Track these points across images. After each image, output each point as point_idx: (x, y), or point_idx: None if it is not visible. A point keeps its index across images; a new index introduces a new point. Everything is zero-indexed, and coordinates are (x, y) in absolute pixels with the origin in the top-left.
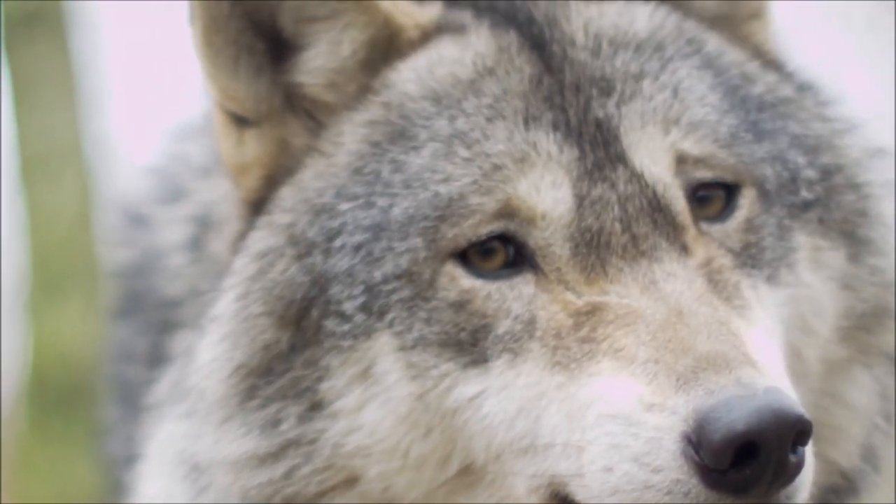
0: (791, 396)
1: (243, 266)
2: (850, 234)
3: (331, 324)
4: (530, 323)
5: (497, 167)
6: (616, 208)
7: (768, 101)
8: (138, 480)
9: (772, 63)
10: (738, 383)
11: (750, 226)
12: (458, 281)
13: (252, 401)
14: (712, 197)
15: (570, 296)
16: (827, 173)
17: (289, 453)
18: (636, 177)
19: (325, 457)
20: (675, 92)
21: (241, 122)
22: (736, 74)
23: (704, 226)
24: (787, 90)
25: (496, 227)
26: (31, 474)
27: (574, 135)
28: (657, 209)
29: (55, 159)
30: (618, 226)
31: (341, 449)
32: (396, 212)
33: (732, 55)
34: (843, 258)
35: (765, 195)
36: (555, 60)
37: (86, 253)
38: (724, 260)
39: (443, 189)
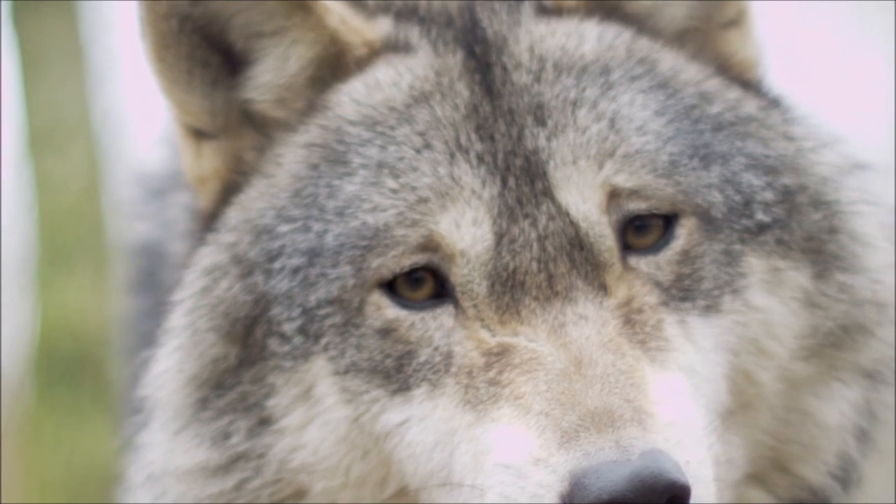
0: (672, 459)
1: (192, 281)
2: (817, 251)
3: (273, 343)
4: (448, 357)
5: (422, 200)
6: (535, 246)
7: (727, 121)
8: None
9: (738, 78)
10: (616, 446)
11: (686, 257)
12: (384, 310)
13: (204, 412)
14: (650, 226)
15: (484, 334)
16: (788, 194)
17: (239, 466)
18: (561, 214)
19: (274, 471)
20: (613, 122)
21: (199, 134)
22: (692, 94)
23: (634, 260)
24: (749, 107)
25: (419, 259)
26: (38, 445)
27: (501, 168)
28: (578, 247)
29: (63, 131)
30: (535, 265)
31: (288, 465)
32: (329, 238)
33: (690, 73)
34: (808, 277)
35: (709, 222)
36: (496, 84)
37: (93, 224)
38: (648, 298)
39: (370, 219)
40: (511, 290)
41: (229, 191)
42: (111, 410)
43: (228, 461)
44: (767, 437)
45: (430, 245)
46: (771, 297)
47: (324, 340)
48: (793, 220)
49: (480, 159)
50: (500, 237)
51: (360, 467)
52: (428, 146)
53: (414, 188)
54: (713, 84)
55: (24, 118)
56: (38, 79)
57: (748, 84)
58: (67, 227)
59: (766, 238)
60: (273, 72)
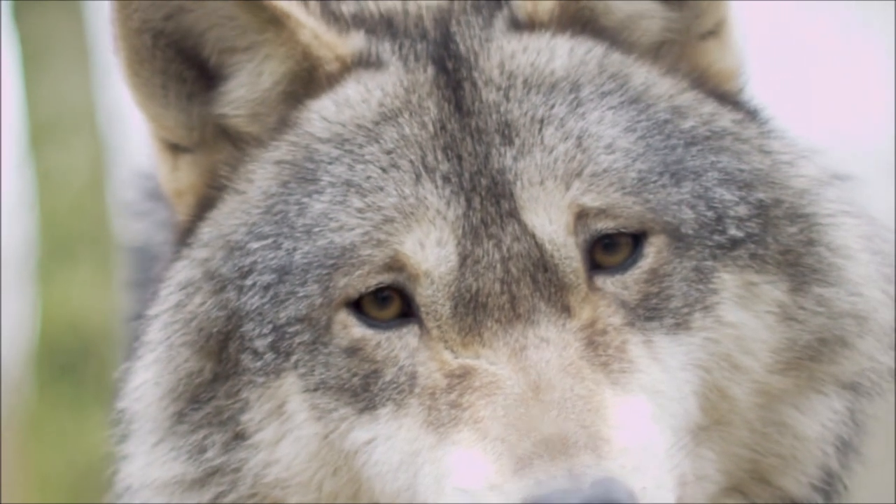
0: (625, 487)
1: (167, 296)
2: (794, 264)
3: (246, 359)
4: (412, 377)
5: (387, 219)
6: (498, 268)
7: (700, 135)
8: None
9: (715, 91)
10: (569, 474)
11: (654, 275)
12: (350, 329)
13: (180, 425)
14: (619, 244)
15: (447, 355)
16: (762, 208)
17: (215, 480)
18: (526, 235)
19: (249, 486)
20: (580, 140)
21: (175, 148)
22: (664, 108)
23: (601, 279)
24: (724, 121)
25: (385, 278)
26: (39, 439)
27: (467, 188)
28: (542, 269)
29: (66, 125)
30: (497, 287)
31: (262, 479)
32: (298, 256)
33: (663, 87)
34: (785, 290)
35: (680, 239)
36: (466, 102)
37: (96, 219)
38: (613, 318)
39: (337, 238)
40: (474, 311)
41: (205, 205)
42: (112, 406)
43: (204, 475)
44: (745, 450)
45: (395, 265)
46: (745, 313)
47: (294, 358)
48: (768, 234)
49: (446, 179)
50: (464, 258)
51: (332, 483)
52: (395, 165)
53: (380, 208)
54: (687, 98)
55: (26, 112)
56: (40, 73)
57: (725, 96)
58: (70, 222)
59: (740, 253)
60: (246, 87)
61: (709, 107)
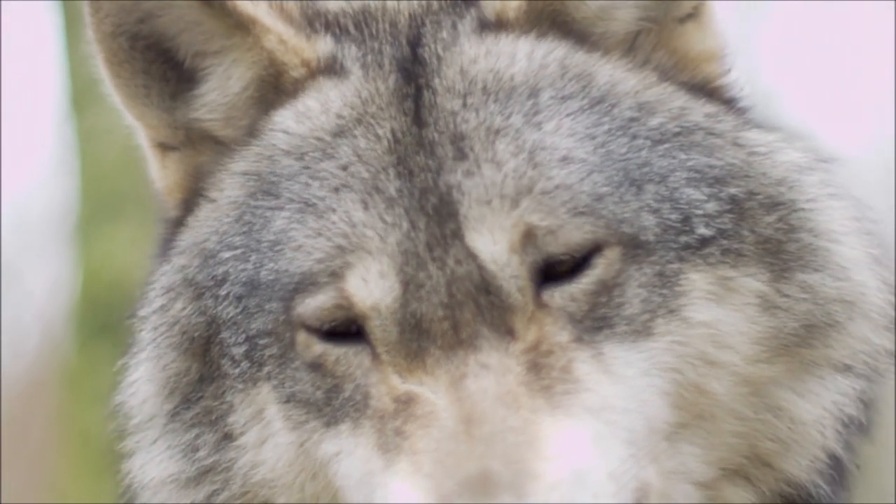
0: None
1: (153, 298)
2: (776, 253)
3: (226, 364)
4: (366, 397)
5: (337, 248)
6: (442, 292)
7: (669, 132)
8: None
9: (690, 81)
10: None
11: (603, 286)
12: (312, 347)
13: (175, 423)
14: (565, 259)
15: (395, 380)
16: (735, 203)
17: (208, 479)
18: (470, 257)
19: (239, 485)
20: (533, 154)
21: (163, 146)
22: (630, 106)
23: (549, 293)
24: (695, 116)
25: (338, 315)
26: (79, 397)
27: (415, 208)
28: (485, 292)
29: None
30: (440, 312)
31: (251, 479)
32: (263, 272)
33: (630, 83)
34: (765, 281)
35: (638, 247)
36: (424, 111)
37: (138, 177)
38: (560, 337)
39: (296, 260)
40: (418, 338)
41: (188, 207)
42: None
43: (198, 474)
44: (736, 439)
45: (344, 304)
46: (720, 309)
47: (266, 369)
48: (743, 227)
49: (395, 200)
50: (406, 285)
51: (312, 487)
52: (346, 185)
53: (330, 235)
54: (655, 93)
55: (68, 72)
56: (82, 32)
57: (702, 85)
58: (112, 181)
59: (711, 251)
60: (217, 91)
61: (679, 101)
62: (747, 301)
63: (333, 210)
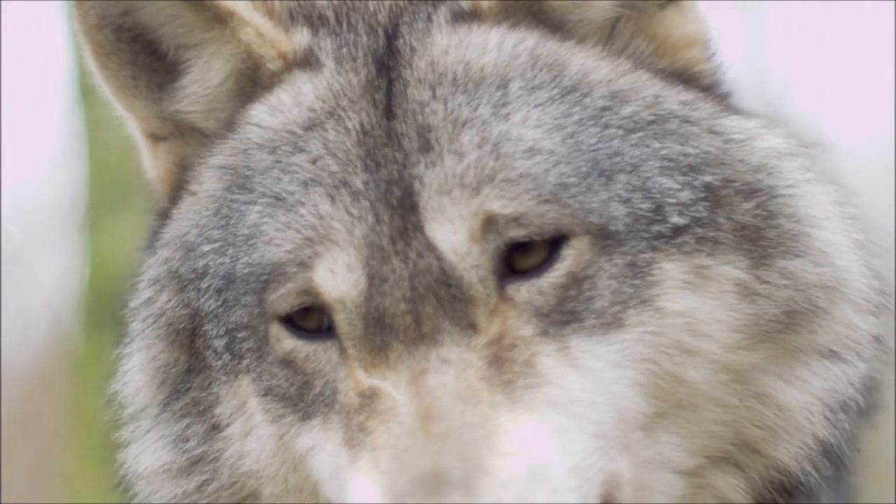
0: None
1: (141, 290)
2: (754, 240)
3: (210, 356)
4: (334, 392)
5: (306, 240)
6: (405, 286)
7: (643, 121)
8: None
9: (669, 67)
10: None
11: (572, 279)
12: (283, 342)
13: (166, 414)
14: (534, 247)
15: (360, 374)
16: (710, 191)
17: (198, 469)
18: (431, 249)
19: (228, 475)
20: (497, 145)
21: (153, 136)
22: (602, 95)
23: (514, 288)
24: (670, 104)
25: (306, 300)
26: (86, 386)
27: (381, 201)
28: (446, 285)
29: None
30: (403, 306)
31: (238, 469)
32: (239, 266)
33: (603, 72)
34: (744, 268)
35: (608, 237)
36: (395, 103)
37: (143, 168)
38: (523, 330)
39: (267, 253)
40: (381, 332)
41: (174, 198)
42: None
43: (188, 463)
44: (721, 427)
45: (311, 291)
46: (696, 297)
47: (245, 362)
48: (718, 215)
49: (361, 194)
50: (371, 278)
51: (295, 478)
52: (315, 179)
53: (299, 229)
54: (629, 81)
55: (76, 61)
56: None
57: (680, 72)
58: (118, 170)
59: (685, 239)
60: (198, 83)
61: (654, 89)
62: (725, 289)
63: (302, 203)
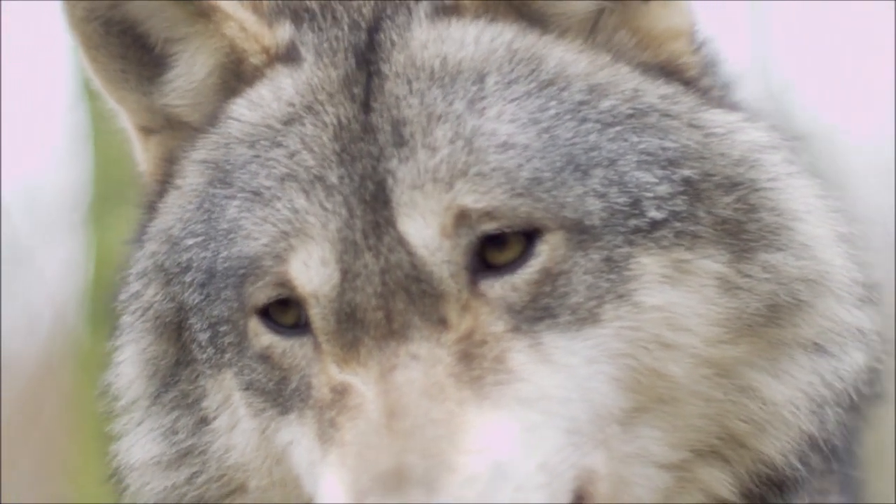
0: None
1: (130, 284)
2: (735, 234)
3: (196, 349)
4: (308, 388)
5: (282, 233)
6: (376, 281)
7: (621, 114)
8: None
9: (651, 60)
10: None
11: (546, 275)
12: (261, 337)
13: (156, 406)
14: (509, 241)
15: (333, 369)
16: (689, 184)
17: (187, 461)
18: (402, 244)
19: (216, 467)
20: (471, 140)
21: (145, 129)
22: (580, 89)
23: (487, 284)
24: (649, 97)
25: (282, 292)
26: (90, 379)
27: (354, 195)
28: (417, 280)
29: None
30: (374, 301)
31: (225, 462)
32: (220, 260)
33: (581, 65)
34: (724, 262)
35: (583, 232)
36: (372, 97)
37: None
38: (495, 327)
39: (245, 247)
40: (353, 327)
41: (162, 192)
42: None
43: (178, 456)
44: (705, 420)
45: (287, 284)
46: (675, 291)
47: (227, 356)
48: (698, 209)
49: (336, 188)
50: (345, 273)
51: (279, 471)
52: (292, 174)
53: (275, 223)
54: (608, 75)
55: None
56: None
57: (663, 65)
58: (123, 164)
59: (663, 233)
60: (184, 77)
61: (633, 82)
62: (705, 283)
63: (279, 198)
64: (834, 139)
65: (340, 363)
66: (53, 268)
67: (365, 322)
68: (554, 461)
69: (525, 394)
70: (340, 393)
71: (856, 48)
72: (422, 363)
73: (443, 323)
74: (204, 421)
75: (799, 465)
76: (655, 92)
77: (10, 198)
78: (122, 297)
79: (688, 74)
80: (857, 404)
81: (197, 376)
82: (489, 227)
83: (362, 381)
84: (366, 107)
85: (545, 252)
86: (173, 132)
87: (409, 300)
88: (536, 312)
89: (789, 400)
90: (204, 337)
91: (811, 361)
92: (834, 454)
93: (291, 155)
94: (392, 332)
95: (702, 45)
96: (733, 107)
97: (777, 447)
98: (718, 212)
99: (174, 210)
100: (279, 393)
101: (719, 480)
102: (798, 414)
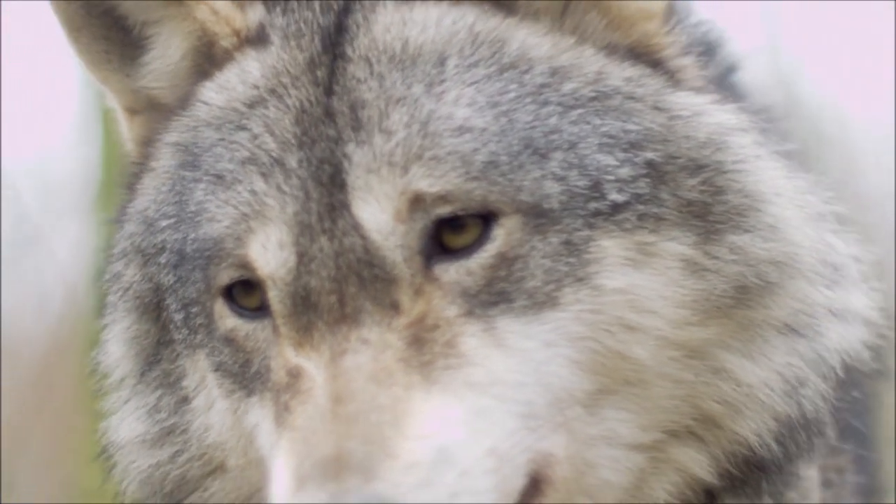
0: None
1: (112, 264)
2: (701, 215)
3: (173, 330)
4: (268, 370)
5: (243, 216)
6: (330, 265)
7: (584, 97)
8: None
9: (620, 42)
10: (330, 498)
11: (502, 259)
12: (225, 319)
13: (141, 385)
14: (466, 225)
15: (289, 353)
16: (652, 167)
17: (170, 439)
18: (356, 228)
19: (196, 446)
20: (426, 124)
21: (130, 109)
22: (542, 71)
23: (441, 268)
24: (613, 80)
25: (244, 273)
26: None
27: (312, 178)
28: (369, 265)
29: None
30: (328, 285)
31: (204, 441)
32: (188, 242)
33: (544, 48)
34: (690, 244)
35: (541, 216)
36: (335, 80)
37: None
38: (447, 311)
39: (210, 229)
40: (308, 311)
41: (142, 171)
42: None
43: (161, 434)
44: (677, 402)
45: (247, 266)
46: (638, 274)
47: (199, 337)
48: (662, 191)
49: (294, 171)
50: (301, 256)
51: (253, 451)
52: (253, 157)
53: (236, 205)
54: (571, 57)
55: None
56: None
57: (634, 46)
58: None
59: (626, 216)
60: (160, 59)
61: (597, 65)
62: (670, 265)
63: (240, 181)
64: (843, 121)
65: (296, 346)
66: (64, 249)
67: (319, 306)
68: (504, 446)
69: (476, 378)
70: (295, 377)
71: (866, 31)
72: (371, 348)
73: (395, 307)
74: (185, 400)
75: (775, 446)
76: (620, 74)
77: (21, 178)
78: (106, 276)
79: (658, 55)
80: (858, 381)
81: (177, 356)
82: (443, 210)
83: (314, 366)
84: (329, 90)
85: (501, 236)
86: (154, 113)
87: (362, 285)
88: (491, 297)
89: (763, 381)
90: (179, 317)
91: (785, 343)
92: (842, 433)
93: (254, 138)
94: (344, 316)
95: (677, 24)
96: (703, 89)
97: (752, 428)
98: (683, 194)
99: (149, 192)
100: (243, 375)
101: (695, 460)
102: (773, 395)
